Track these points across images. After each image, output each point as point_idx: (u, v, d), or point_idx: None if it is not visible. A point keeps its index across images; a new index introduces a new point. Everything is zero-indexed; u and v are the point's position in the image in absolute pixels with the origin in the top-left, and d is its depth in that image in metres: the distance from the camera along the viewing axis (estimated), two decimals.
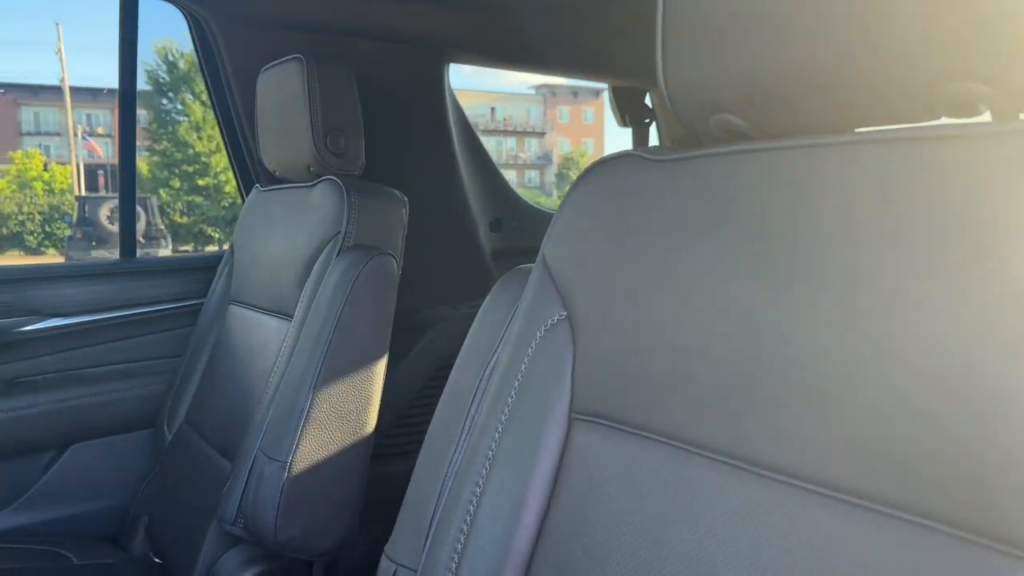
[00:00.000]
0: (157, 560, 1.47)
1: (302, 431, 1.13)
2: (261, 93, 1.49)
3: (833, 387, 0.50)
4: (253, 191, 1.64)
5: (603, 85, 2.39)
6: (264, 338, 1.40)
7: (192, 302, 1.75)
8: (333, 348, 1.17)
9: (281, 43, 1.63)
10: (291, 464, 1.12)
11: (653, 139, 2.41)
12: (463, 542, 0.74)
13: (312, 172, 1.39)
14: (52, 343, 1.67)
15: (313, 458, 1.13)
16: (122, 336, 1.74)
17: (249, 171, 1.80)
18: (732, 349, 0.57)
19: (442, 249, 1.93)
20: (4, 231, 18.74)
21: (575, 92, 39.48)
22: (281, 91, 1.41)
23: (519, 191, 2.32)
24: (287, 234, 1.41)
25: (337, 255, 1.26)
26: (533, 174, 38.34)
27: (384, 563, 0.80)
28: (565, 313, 0.73)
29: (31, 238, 18.82)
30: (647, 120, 2.36)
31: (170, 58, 19.10)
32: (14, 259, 17.41)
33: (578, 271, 0.72)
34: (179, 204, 20.11)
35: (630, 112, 2.34)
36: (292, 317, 1.30)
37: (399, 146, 1.84)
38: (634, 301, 0.65)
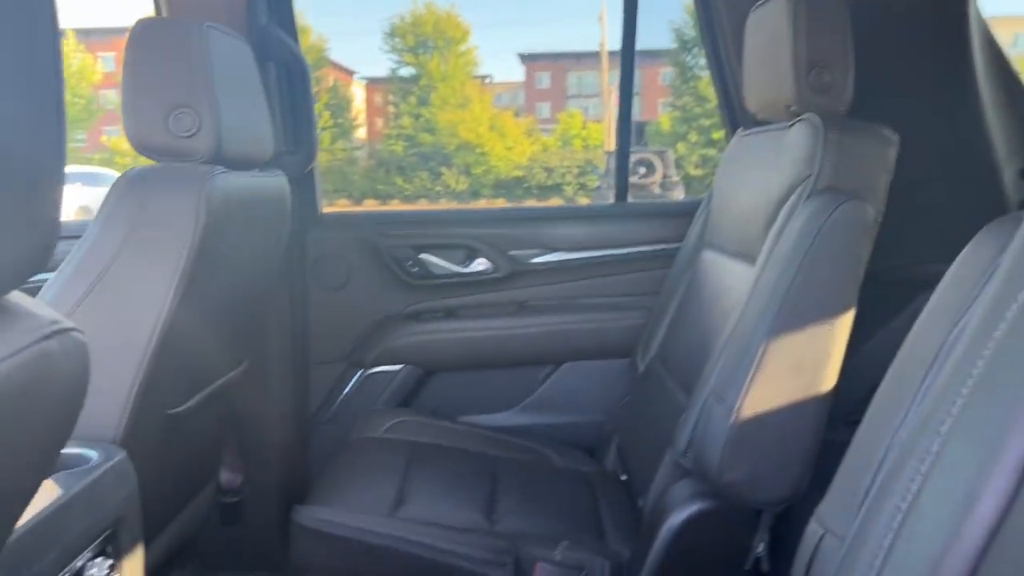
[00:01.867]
0: (623, 477, 1.61)
1: (752, 377, 1.11)
2: (749, 33, 1.46)
3: None
4: (735, 135, 1.63)
5: None
6: (729, 282, 1.40)
7: (672, 245, 1.84)
8: (791, 297, 1.11)
9: None
10: (739, 408, 1.11)
11: None
12: (900, 520, 0.65)
13: (792, 112, 1.32)
14: (554, 274, 1.92)
15: (762, 406, 1.10)
16: (610, 272, 1.91)
17: (735, 115, 1.79)
18: None
19: (950, 199, 1.67)
20: (549, 182, 22.01)
21: None
22: (767, 29, 1.36)
23: None
24: (759, 177, 1.37)
25: (806, 199, 1.18)
26: None
27: (812, 525, 0.75)
28: None
29: (568, 188, 21.76)
30: None
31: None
32: (555, 204, 20.34)
33: None
34: (694, 157, 21.02)
35: None
36: (755, 262, 1.27)
37: (902, 80, 1.63)
38: None
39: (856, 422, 1.34)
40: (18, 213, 0.49)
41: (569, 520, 1.40)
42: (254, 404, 1.82)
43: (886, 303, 1.38)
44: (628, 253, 1.90)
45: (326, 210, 1.97)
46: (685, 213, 1.81)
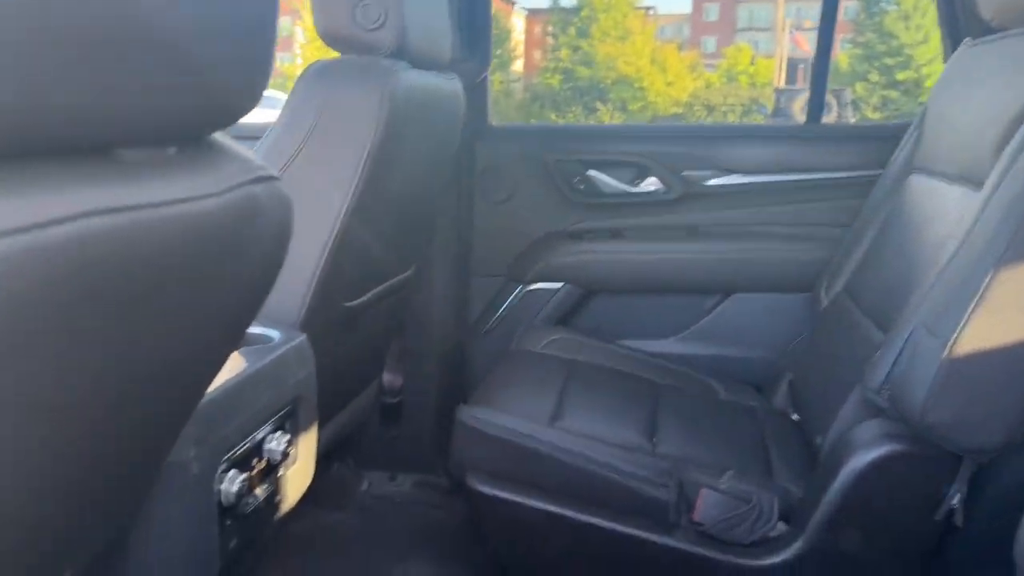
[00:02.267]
0: (795, 416, 1.51)
1: (972, 311, 0.98)
2: None
3: None
4: (960, 47, 1.43)
5: None
6: (943, 208, 1.25)
7: (869, 172, 1.67)
8: None
9: None
10: (953, 344, 0.98)
11: None
12: None
13: None
14: (731, 198, 1.80)
15: (981, 343, 0.98)
16: (793, 200, 1.77)
17: (958, 23, 1.58)
18: None
19: None
20: (709, 120, 21.12)
21: None
22: None
23: None
24: (993, 91, 1.19)
25: None
26: None
27: None
28: None
29: None
30: None
31: None
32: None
33: None
34: (873, 99, 19.49)
35: None
36: (980, 186, 1.11)
37: None
38: None
39: None
40: (234, 48, 0.47)
41: (734, 451, 1.33)
42: (417, 311, 1.85)
43: None
44: (817, 179, 1.75)
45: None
46: (888, 136, 1.63)
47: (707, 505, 1.18)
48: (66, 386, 0.41)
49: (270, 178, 0.53)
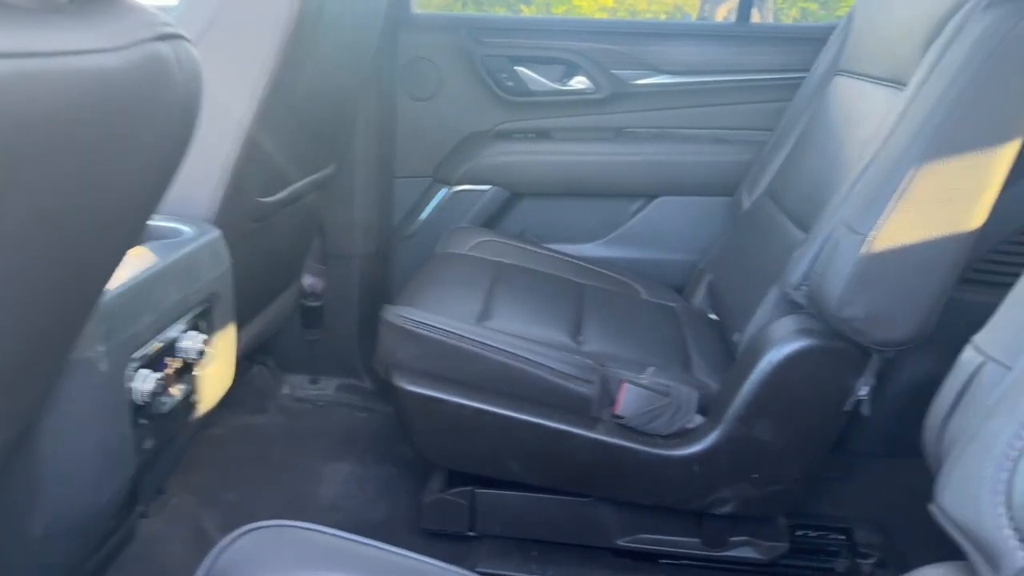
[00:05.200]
0: (713, 316, 1.55)
1: (893, 207, 1.00)
2: None
3: None
4: None
5: None
6: (867, 109, 1.26)
7: (795, 74, 1.67)
8: (951, 120, 0.98)
9: None
10: (874, 239, 1.01)
11: None
12: None
13: None
14: (658, 98, 1.78)
15: (899, 238, 1.00)
16: (720, 101, 1.77)
17: None
18: None
19: None
20: None
21: None
22: None
23: None
24: None
25: (984, 8, 1.02)
26: None
27: (969, 353, 0.67)
28: None
29: None
30: None
31: None
32: None
33: None
34: (794, 11, 19.54)
35: None
36: (905, 85, 1.12)
37: None
38: None
39: (973, 280, 1.21)
40: None
41: (655, 349, 1.36)
42: (339, 212, 1.79)
43: None
44: (744, 80, 1.74)
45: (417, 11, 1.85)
46: (815, 38, 1.63)
47: (628, 399, 1.20)
48: None
49: (177, 36, 0.47)
